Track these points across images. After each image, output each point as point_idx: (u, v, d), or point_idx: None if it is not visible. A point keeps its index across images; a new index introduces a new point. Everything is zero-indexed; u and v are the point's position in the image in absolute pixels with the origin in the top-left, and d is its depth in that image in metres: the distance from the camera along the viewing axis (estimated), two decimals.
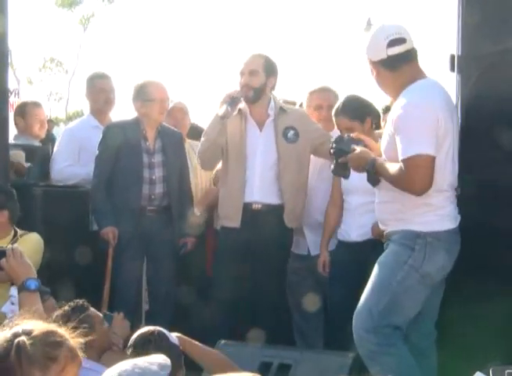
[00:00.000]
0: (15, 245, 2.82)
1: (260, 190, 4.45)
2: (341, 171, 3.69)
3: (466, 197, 3.54)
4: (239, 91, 4.45)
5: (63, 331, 1.87)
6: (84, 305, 3.19)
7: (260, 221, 4.42)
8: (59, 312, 3.05)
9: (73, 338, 1.87)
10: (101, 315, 3.28)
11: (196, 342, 3.03)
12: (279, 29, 56.00)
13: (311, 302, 4.56)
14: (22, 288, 2.70)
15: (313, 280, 4.58)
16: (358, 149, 3.53)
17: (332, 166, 3.72)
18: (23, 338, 1.79)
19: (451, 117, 3.41)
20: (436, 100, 3.37)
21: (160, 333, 2.73)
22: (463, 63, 3.54)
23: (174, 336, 2.78)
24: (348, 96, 4.32)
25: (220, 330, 4.26)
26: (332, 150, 3.64)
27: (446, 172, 3.41)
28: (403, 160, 3.31)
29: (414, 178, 3.31)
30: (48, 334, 1.83)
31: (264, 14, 54.27)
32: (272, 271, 4.41)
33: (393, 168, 3.39)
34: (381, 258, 3.54)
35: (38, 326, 1.85)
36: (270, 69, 4.51)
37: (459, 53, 3.61)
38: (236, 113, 4.47)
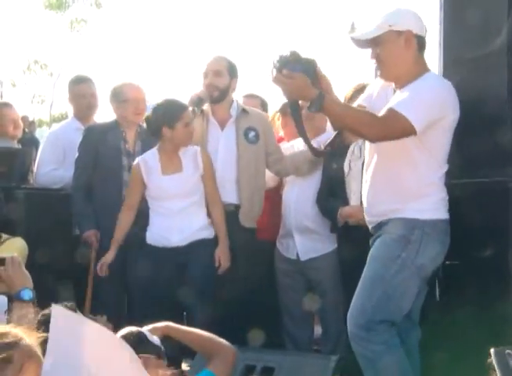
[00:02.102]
0: (15, 254, 2.80)
1: (221, 190, 4.45)
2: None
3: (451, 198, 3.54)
4: (204, 91, 4.50)
5: (19, 331, 1.85)
6: (72, 308, 3.17)
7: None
8: (45, 311, 3.04)
9: (30, 336, 1.85)
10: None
11: (183, 327, 3.03)
12: (263, 32, 56.09)
13: (302, 305, 4.58)
14: (16, 298, 2.67)
15: (304, 283, 4.61)
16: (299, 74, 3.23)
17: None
18: None
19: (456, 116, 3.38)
20: (453, 97, 3.34)
21: (139, 334, 2.73)
22: (445, 68, 3.55)
23: (155, 337, 2.77)
24: None
25: None
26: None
27: (444, 158, 3.37)
28: (393, 110, 3.20)
29: (385, 128, 3.21)
30: (1, 335, 1.81)
31: (247, 18, 54.42)
32: (241, 271, 4.41)
33: (351, 107, 3.35)
34: (373, 251, 3.43)
35: None
36: (233, 71, 4.56)
37: (442, 58, 3.63)
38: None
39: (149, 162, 4.40)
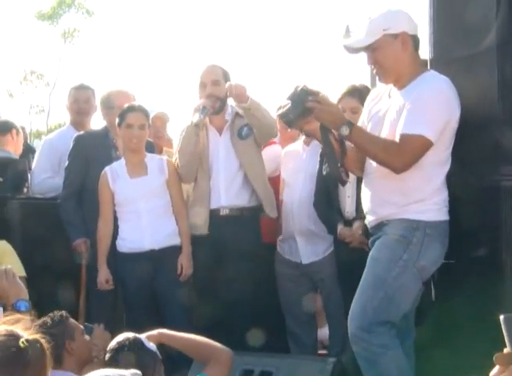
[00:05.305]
0: (8, 266, 2.81)
1: (226, 195, 4.50)
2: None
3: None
4: (207, 101, 4.48)
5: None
6: (64, 315, 3.18)
7: (229, 227, 4.46)
8: (38, 322, 3.03)
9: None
10: (81, 326, 3.27)
11: (176, 334, 3.03)
12: (259, 36, 56.20)
13: (306, 308, 4.58)
14: (12, 309, 2.67)
15: (308, 286, 4.61)
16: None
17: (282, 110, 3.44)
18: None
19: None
20: (455, 95, 3.36)
21: (135, 339, 2.73)
22: (434, 67, 3.55)
23: (151, 343, 2.77)
24: None
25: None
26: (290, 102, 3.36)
27: (448, 157, 3.37)
28: (405, 135, 3.25)
29: (405, 155, 3.27)
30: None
31: (241, 24, 54.50)
32: (245, 275, 4.40)
33: (378, 136, 3.34)
34: (374, 252, 3.42)
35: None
36: (227, 78, 4.56)
37: (431, 57, 3.63)
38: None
39: (115, 169, 4.51)
